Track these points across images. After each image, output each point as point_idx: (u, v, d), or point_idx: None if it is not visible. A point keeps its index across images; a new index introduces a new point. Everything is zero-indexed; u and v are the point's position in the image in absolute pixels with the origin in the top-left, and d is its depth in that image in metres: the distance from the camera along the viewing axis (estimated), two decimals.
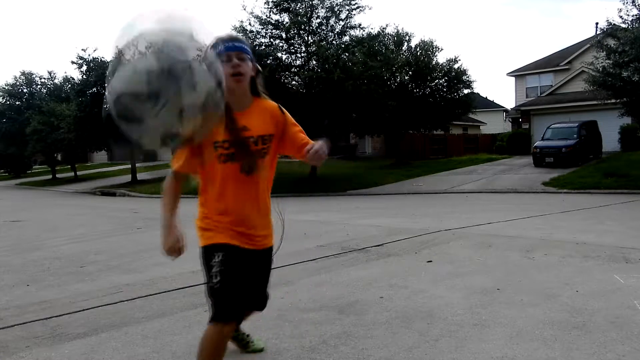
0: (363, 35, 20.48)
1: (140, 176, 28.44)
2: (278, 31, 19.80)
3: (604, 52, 16.77)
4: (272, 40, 20.13)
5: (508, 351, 3.41)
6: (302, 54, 20.22)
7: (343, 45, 20.19)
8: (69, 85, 30.30)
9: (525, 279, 5.22)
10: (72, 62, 26.13)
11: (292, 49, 20.21)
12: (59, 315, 4.64)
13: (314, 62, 19.83)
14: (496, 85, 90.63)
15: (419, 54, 26.35)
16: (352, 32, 20.37)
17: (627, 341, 3.48)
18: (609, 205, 11.79)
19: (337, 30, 20.23)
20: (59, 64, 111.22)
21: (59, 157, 45.32)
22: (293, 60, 20.40)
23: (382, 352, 3.48)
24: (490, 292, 4.82)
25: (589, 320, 3.91)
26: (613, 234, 7.64)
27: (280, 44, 20.13)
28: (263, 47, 19.81)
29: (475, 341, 3.62)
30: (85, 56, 25.60)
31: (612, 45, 16.42)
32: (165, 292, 5.34)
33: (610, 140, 23.76)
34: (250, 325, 4.18)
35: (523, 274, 5.42)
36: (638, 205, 11.88)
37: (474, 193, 16.61)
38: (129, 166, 28.57)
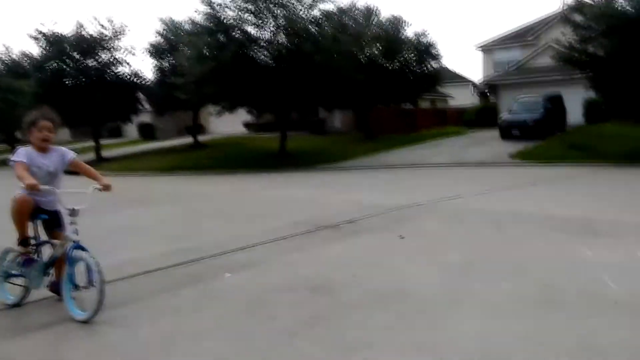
0: (333, 9, 20.13)
1: (105, 154, 27.73)
2: (246, 4, 19.27)
3: (571, 27, 16.89)
4: (239, 13, 19.60)
5: (483, 328, 3.42)
6: (271, 28, 19.79)
7: (312, 19, 19.82)
8: (27, 61, 29.03)
9: (497, 254, 5.26)
10: (30, 37, 25.01)
11: (261, 22, 19.74)
12: (22, 305, 4.46)
13: (283, 36, 19.44)
14: (464, 59, 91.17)
15: (388, 28, 26.16)
16: (321, 5, 19.99)
17: (597, 315, 3.54)
18: (574, 177, 12.02)
19: (306, 3, 19.82)
20: (15, 39, 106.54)
21: (20, 135, 43.76)
22: (261, 34, 19.95)
23: (358, 333, 3.45)
24: (463, 267, 4.84)
25: (561, 295, 3.95)
26: (580, 206, 7.78)
27: (248, 17, 19.63)
28: (231, 20, 19.29)
29: (450, 319, 3.62)
30: (45, 30, 24.52)
31: (579, 20, 16.54)
32: (133, 276, 5.19)
33: (574, 114, 24.18)
34: (224, 308, 4.10)
35: (495, 249, 5.46)
36: (602, 177, 12.14)
37: (443, 166, 16.74)
38: (93, 143, 27.79)
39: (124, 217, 9.05)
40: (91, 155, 27.38)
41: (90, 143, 28.73)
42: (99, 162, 25.63)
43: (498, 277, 4.45)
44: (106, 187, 4.32)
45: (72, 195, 4.23)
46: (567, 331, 3.28)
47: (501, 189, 10.28)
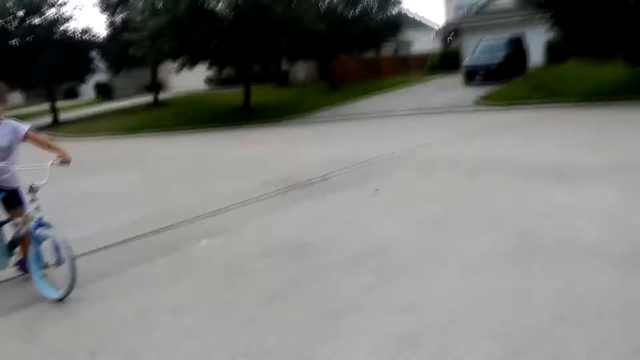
0: None
1: (62, 116, 26.66)
2: None
3: None
4: None
5: (463, 284, 3.43)
6: None
7: None
8: None
9: (471, 205, 5.28)
10: None
11: None
12: None
13: None
14: (425, 3, 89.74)
15: None
16: None
17: (575, 263, 3.58)
18: (540, 120, 12.14)
19: None
20: None
21: None
22: None
23: (340, 297, 3.42)
24: (439, 221, 4.85)
25: (537, 245, 3.99)
26: (548, 149, 7.86)
27: None
28: None
29: (431, 277, 3.62)
30: None
31: None
32: (105, 247, 5.03)
33: (536, 55, 24.30)
34: (201, 278, 4.01)
35: (469, 200, 5.49)
36: (567, 117, 12.30)
37: (410, 114, 16.71)
38: (48, 107, 26.62)
39: (88, 184, 8.75)
40: (47, 119, 26.34)
41: (45, 106, 27.54)
42: (56, 125, 24.69)
43: (475, 229, 4.47)
44: (65, 161, 4.08)
45: (30, 171, 3.99)
46: (547, 283, 3.32)
47: (470, 135, 10.31)
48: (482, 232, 4.40)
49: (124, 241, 5.17)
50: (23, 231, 4.00)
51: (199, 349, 2.94)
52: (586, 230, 4.17)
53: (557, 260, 3.65)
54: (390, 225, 4.86)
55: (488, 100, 17.09)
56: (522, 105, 15.24)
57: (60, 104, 28.06)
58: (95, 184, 8.84)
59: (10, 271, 4.32)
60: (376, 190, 6.15)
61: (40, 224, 3.85)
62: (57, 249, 3.77)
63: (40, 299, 3.84)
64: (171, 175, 9.14)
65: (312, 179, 7.18)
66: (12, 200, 4.14)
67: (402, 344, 2.77)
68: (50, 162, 4.00)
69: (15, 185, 4.11)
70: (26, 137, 4.15)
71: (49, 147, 4.21)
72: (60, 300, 3.75)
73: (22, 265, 4.25)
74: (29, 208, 3.94)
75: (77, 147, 16.66)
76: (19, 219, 4.07)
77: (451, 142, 9.59)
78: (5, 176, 4.05)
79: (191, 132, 17.81)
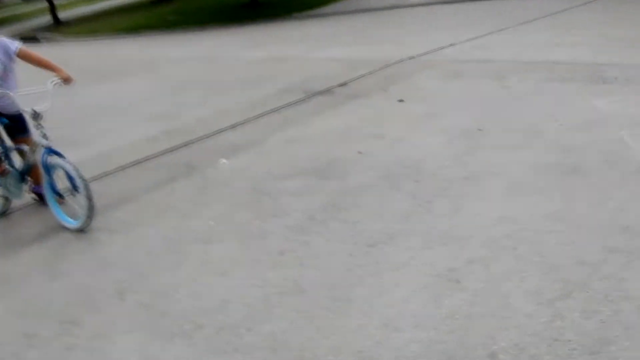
0: None
1: (62, 15, 25.59)
2: None
3: None
4: None
5: (507, 209, 3.21)
6: None
7: None
8: None
9: (505, 114, 4.94)
10: None
11: None
12: (6, 214, 4.16)
13: None
14: None
15: None
16: None
17: (624, 184, 3.31)
18: (571, 9, 11.24)
19: None
20: None
21: None
22: None
23: (376, 225, 3.24)
24: (472, 134, 4.54)
25: (582, 161, 3.71)
26: (584, 47, 7.28)
27: None
28: None
29: (470, 200, 3.40)
30: None
31: None
32: (122, 169, 4.85)
33: None
34: (227, 203, 3.85)
35: (502, 108, 5.13)
36: (603, 4, 11.35)
37: (425, 5, 15.68)
38: (47, 4, 25.48)
39: (97, 94, 8.43)
40: (46, 19, 25.38)
41: (43, 4, 26.37)
42: (57, 25, 23.79)
43: (513, 144, 4.17)
44: (66, 80, 3.76)
45: (29, 95, 3.70)
46: (595, 208, 3.07)
47: (496, 29, 9.59)
48: (519, 146, 4.11)
49: (141, 160, 4.98)
50: (32, 159, 3.81)
51: (231, 286, 2.83)
52: (629, 144, 3.85)
53: (603, 180, 3.38)
54: (420, 140, 4.57)
55: None
56: None
57: (58, 0, 26.84)
58: (104, 93, 8.51)
59: (28, 198, 4.20)
60: (400, 100, 5.78)
61: (50, 152, 3.63)
62: (70, 178, 3.59)
63: (60, 229, 3.73)
64: (183, 82, 8.75)
65: (332, 86, 6.78)
66: (16, 126, 3.90)
67: (442, 282, 2.61)
68: (53, 83, 3.69)
69: (18, 110, 3.83)
70: (19, 55, 3.80)
71: (45, 65, 3.86)
72: (82, 230, 3.63)
73: (36, 190, 4.11)
74: (35, 135, 3.70)
75: (81, 51, 16.05)
76: (26, 146, 3.86)
77: (475, 38, 8.95)
78: (6, 102, 3.76)
79: (197, 32, 17.01)
